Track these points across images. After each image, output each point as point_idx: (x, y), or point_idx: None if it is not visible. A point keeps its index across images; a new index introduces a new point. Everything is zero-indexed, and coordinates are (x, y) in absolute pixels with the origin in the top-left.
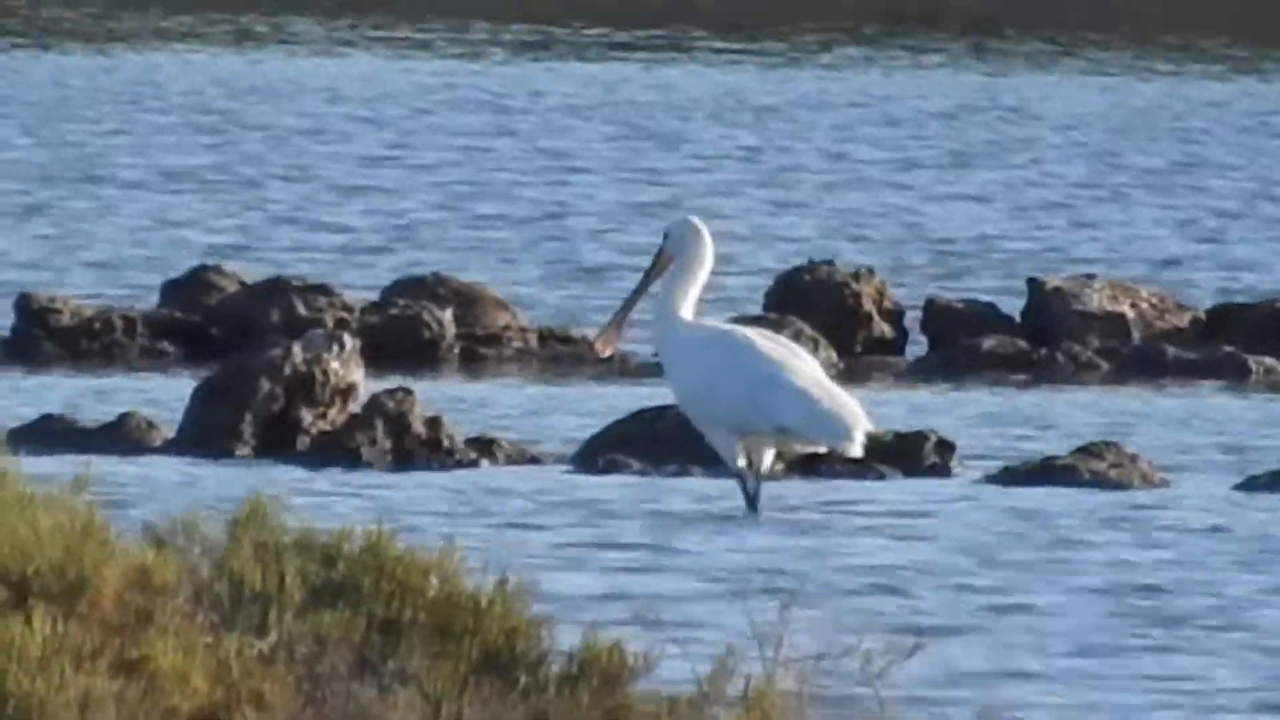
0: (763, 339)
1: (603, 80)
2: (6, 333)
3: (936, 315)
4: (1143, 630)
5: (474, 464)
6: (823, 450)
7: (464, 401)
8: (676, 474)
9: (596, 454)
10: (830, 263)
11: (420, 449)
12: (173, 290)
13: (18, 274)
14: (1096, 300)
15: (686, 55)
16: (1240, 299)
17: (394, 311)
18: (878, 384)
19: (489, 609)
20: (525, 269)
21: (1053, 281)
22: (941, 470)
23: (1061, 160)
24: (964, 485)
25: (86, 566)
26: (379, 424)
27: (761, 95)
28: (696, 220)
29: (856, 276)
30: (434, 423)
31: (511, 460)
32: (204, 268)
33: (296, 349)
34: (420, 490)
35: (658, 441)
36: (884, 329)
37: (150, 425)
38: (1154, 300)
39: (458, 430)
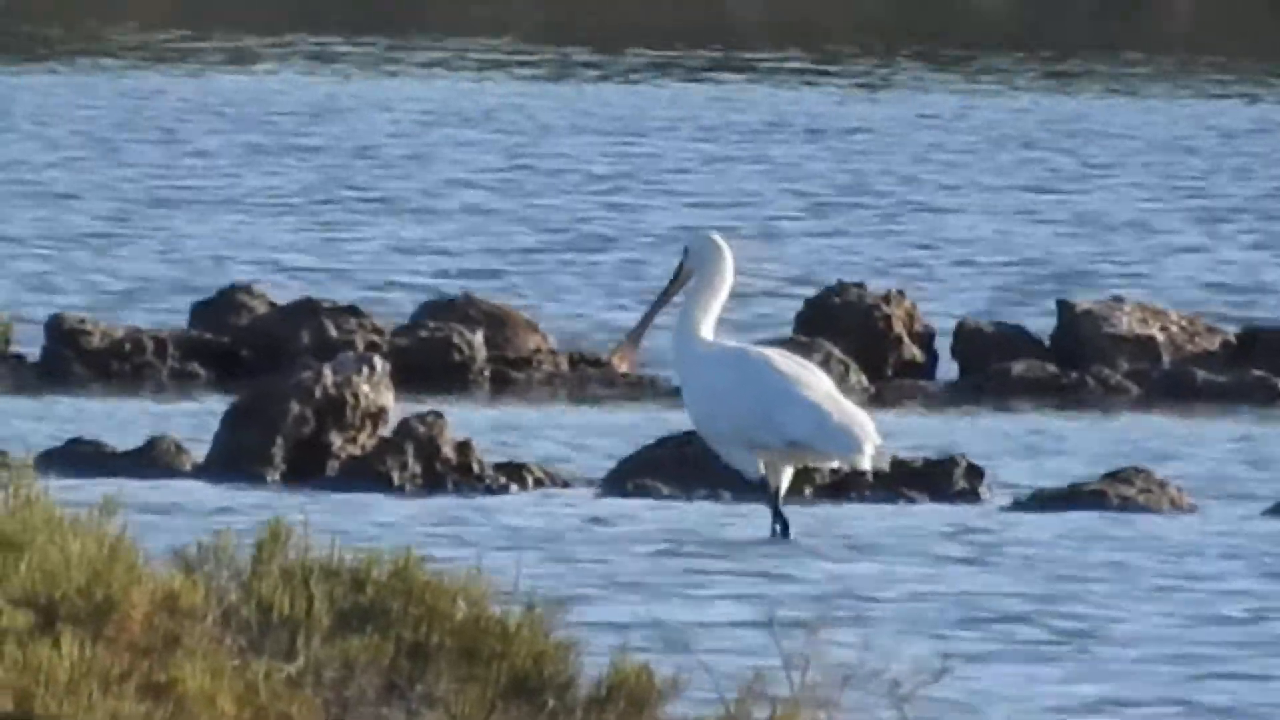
0: (779, 356)
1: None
2: (37, 355)
3: (967, 338)
4: (1176, 654)
5: (504, 488)
6: (833, 465)
7: (494, 425)
8: (706, 498)
9: (626, 478)
10: (860, 285)
11: (450, 473)
12: (202, 311)
13: (48, 297)
14: (1126, 323)
15: (736, 73)
16: (1270, 322)
17: (424, 334)
18: (907, 408)
19: (517, 633)
20: (569, 289)
21: (1082, 304)
22: (971, 496)
23: (1099, 181)
24: (993, 511)
25: (115, 590)
26: (409, 448)
27: (810, 117)
28: (717, 236)
29: (887, 299)
30: (464, 447)
31: (541, 484)
32: (233, 288)
33: (327, 372)
34: (449, 514)
35: (687, 466)
36: (914, 352)
37: (180, 449)
38: (1184, 323)
39: (487, 454)
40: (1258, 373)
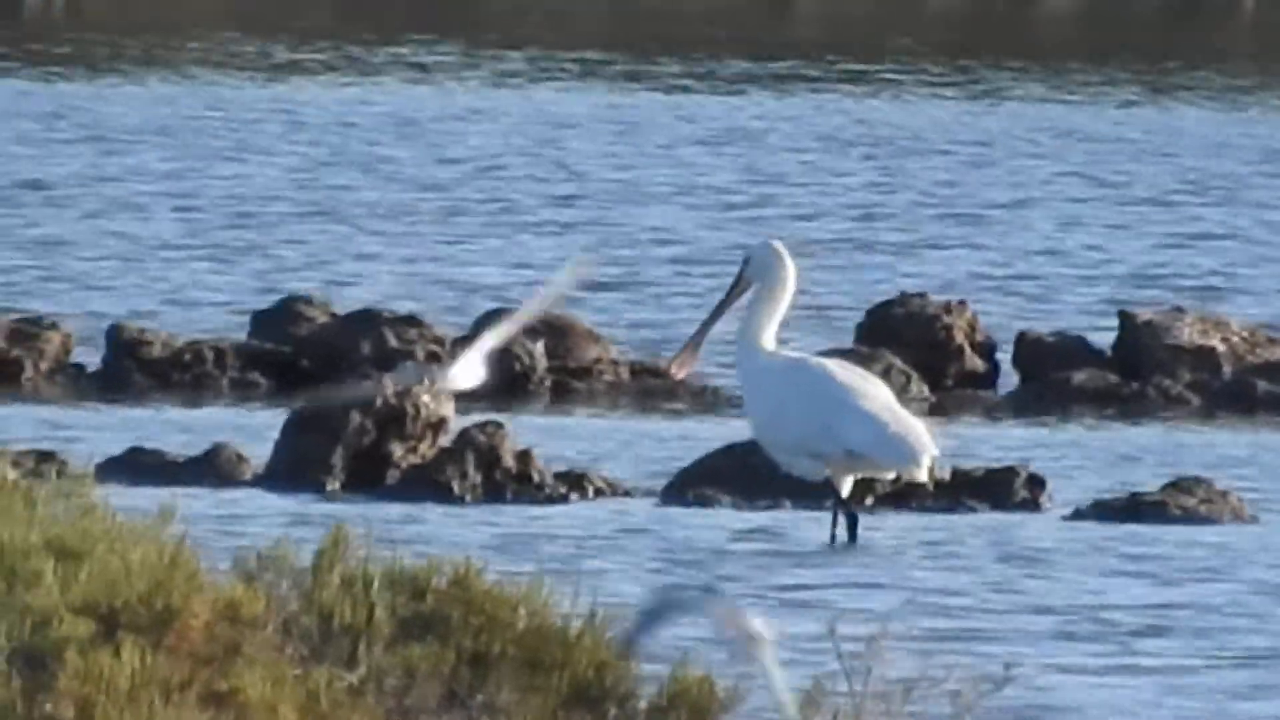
0: (838, 367)
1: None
2: (98, 364)
3: (1027, 349)
4: (1230, 671)
5: (564, 498)
6: (891, 475)
7: (555, 434)
8: (768, 508)
9: (687, 488)
10: (922, 295)
11: (511, 482)
12: (262, 321)
13: (109, 304)
14: (1187, 334)
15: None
16: None
17: None
18: (969, 418)
19: (578, 642)
20: (625, 302)
21: (1143, 315)
22: (1032, 505)
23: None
24: (1054, 520)
25: (175, 599)
26: (469, 457)
27: (863, 126)
28: (779, 245)
29: (948, 309)
30: (524, 456)
31: (601, 494)
32: (293, 298)
33: (387, 382)
34: (510, 523)
35: (748, 475)
36: (975, 362)
37: (240, 458)
38: (1245, 334)
39: (548, 464)
40: None
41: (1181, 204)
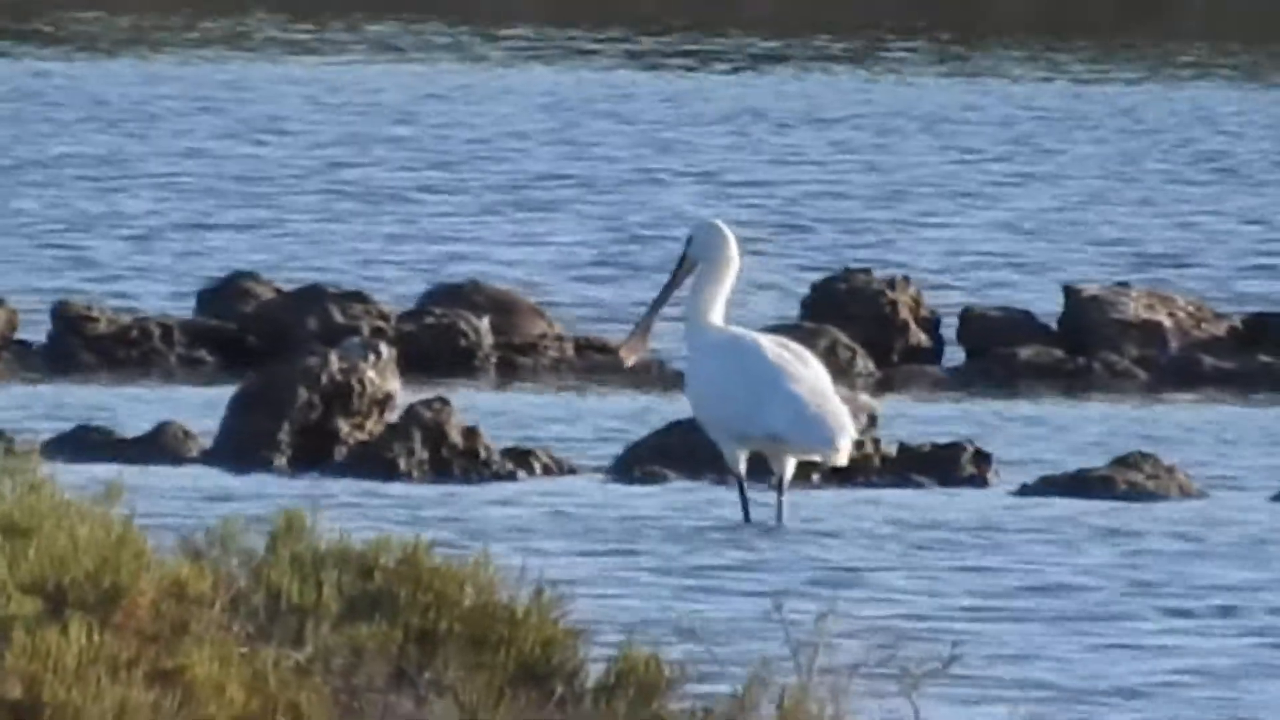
0: (771, 344)
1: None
2: (43, 341)
3: (973, 324)
4: (1182, 639)
5: (511, 474)
6: (812, 458)
7: (501, 411)
8: (714, 484)
9: (634, 464)
10: (867, 271)
11: (457, 459)
12: (209, 298)
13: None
14: (1132, 309)
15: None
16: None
17: (430, 320)
18: (914, 393)
19: (525, 620)
20: (591, 275)
21: (1089, 290)
22: (978, 481)
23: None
24: (1000, 496)
25: (123, 576)
26: (416, 434)
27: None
28: (720, 223)
29: (892, 284)
30: (471, 433)
31: (549, 470)
32: (239, 275)
33: (333, 358)
34: (456, 500)
35: (695, 452)
36: (921, 338)
37: (187, 435)
38: (1190, 308)
39: (494, 440)
40: (1265, 358)
41: (1135, 179)
